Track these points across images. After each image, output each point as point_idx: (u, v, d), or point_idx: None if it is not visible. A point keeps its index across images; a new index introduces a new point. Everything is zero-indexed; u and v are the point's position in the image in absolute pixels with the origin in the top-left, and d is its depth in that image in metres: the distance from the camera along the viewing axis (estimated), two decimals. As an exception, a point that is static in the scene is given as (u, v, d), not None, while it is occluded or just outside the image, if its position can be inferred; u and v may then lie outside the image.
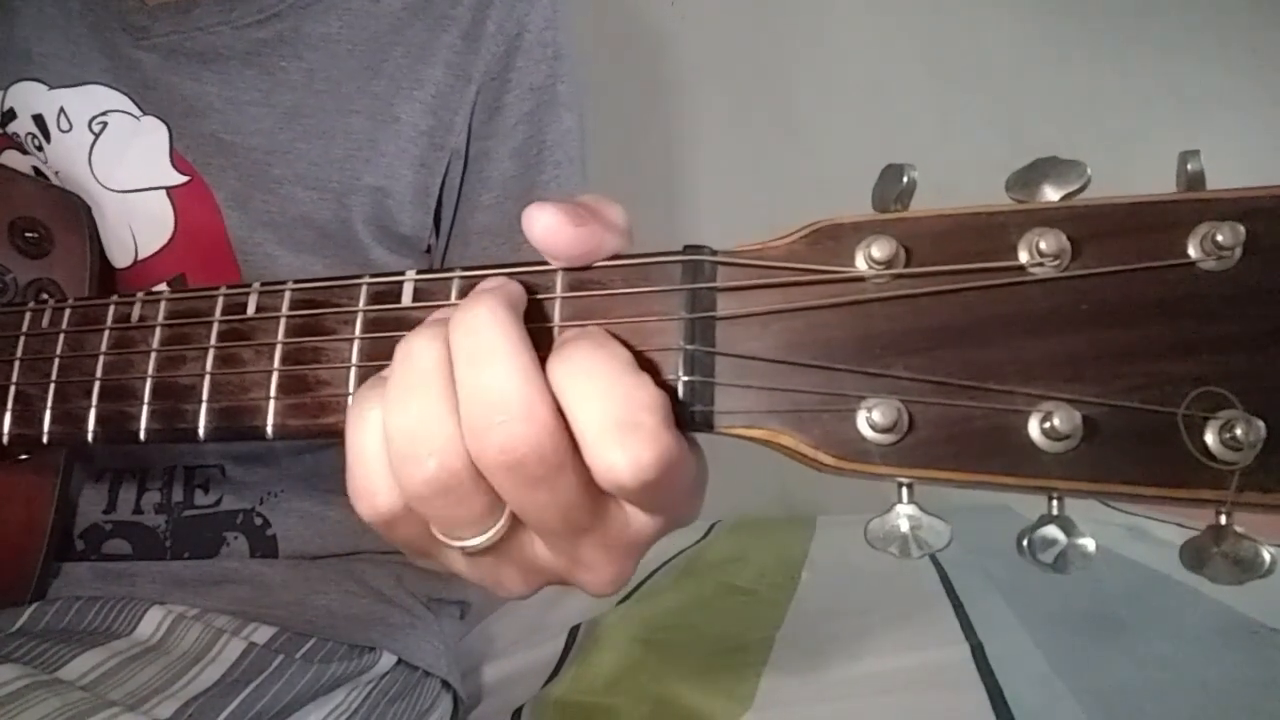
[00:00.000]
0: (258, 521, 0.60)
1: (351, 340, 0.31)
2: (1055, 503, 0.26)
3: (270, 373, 0.32)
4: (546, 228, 0.27)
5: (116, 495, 0.58)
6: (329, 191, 0.56)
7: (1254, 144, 1.28)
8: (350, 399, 0.31)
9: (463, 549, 0.28)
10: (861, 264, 0.27)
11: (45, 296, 0.48)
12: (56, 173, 0.55)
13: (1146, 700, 0.59)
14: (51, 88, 0.56)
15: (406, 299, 0.31)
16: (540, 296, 0.29)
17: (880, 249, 0.26)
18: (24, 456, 0.48)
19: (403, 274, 0.32)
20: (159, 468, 0.59)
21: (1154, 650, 0.66)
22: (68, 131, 0.55)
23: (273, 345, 0.33)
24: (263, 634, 0.57)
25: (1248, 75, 1.31)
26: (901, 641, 0.70)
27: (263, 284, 0.34)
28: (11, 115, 0.56)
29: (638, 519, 0.29)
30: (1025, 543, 0.27)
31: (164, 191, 0.55)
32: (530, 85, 0.61)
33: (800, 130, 1.37)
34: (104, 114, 0.56)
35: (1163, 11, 1.34)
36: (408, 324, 0.31)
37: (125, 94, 0.56)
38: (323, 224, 0.56)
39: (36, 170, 0.56)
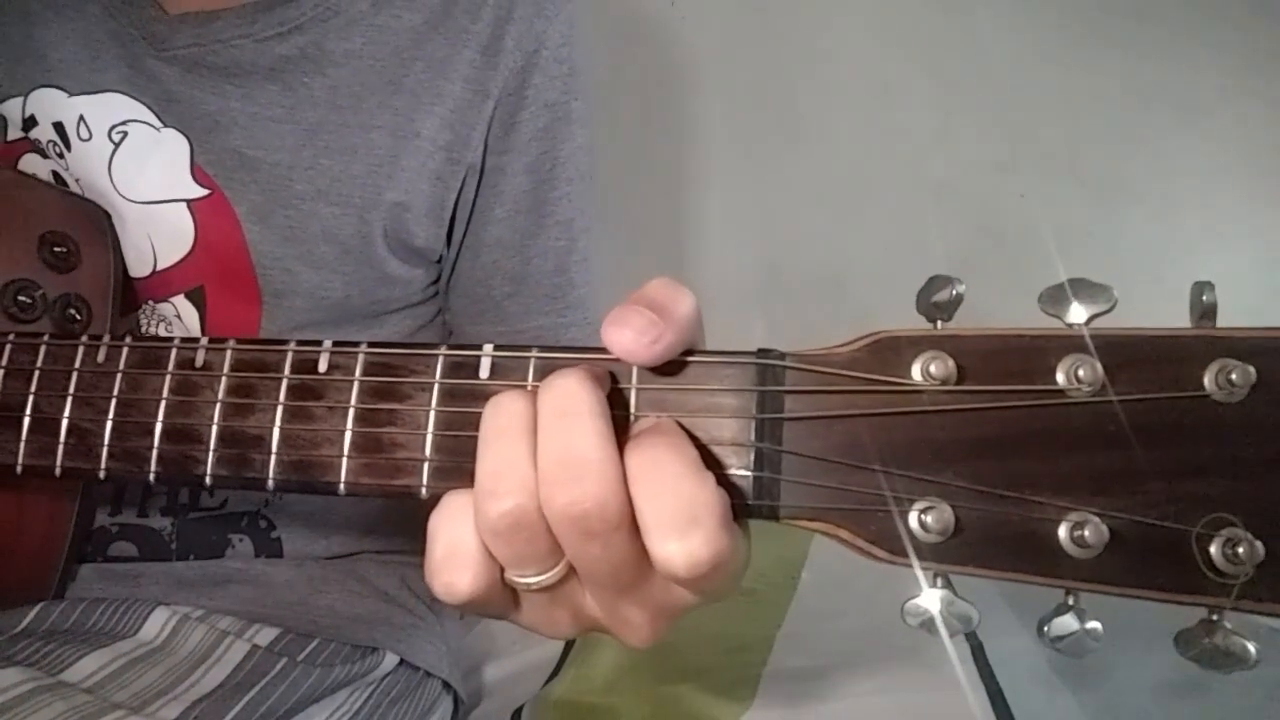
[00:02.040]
0: (262, 524, 0.61)
1: (429, 410, 0.33)
2: (1073, 595, 0.30)
3: (344, 431, 0.34)
4: (625, 350, 0.30)
5: (121, 498, 0.59)
6: (351, 207, 0.57)
7: (1254, 144, 1.32)
8: (426, 465, 0.33)
9: (525, 586, 0.31)
10: (918, 376, 0.30)
11: (73, 311, 0.49)
12: (77, 180, 0.55)
13: (1147, 700, 0.62)
14: (71, 95, 0.55)
15: (484, 374, 0.33)
16: (615, 386, 0.31)
17: (938, 367, 0.29)
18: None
19: (480, 348, 0.33)
20: None
21: (1155, 650, 0.70)
22: (87, 140, 0.55)
23: (347, 406, 0.34)
24: (266, 636, 0.59)
25: (1248, 75, 1.34)
26: (901, 641, 0.72)
27: (334, 343, 0.35)
28: (33, 122, 0.55)
29: (679, 590, 0.31)
30: (1045, 629, 0.30)
31: (184, 204, 0.55)
32: (546, 102, 0.61)
33: (801, 130, 1.38)
34: (124, 123, 0.55)
35: (1162, 12, 1.37)
36: (484, 398, 0.33)
37: (145, 105, 0.55)
38: (344, 239, 0.57)
39: (56, 176, 0.56)
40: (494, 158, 0.61)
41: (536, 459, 0.29)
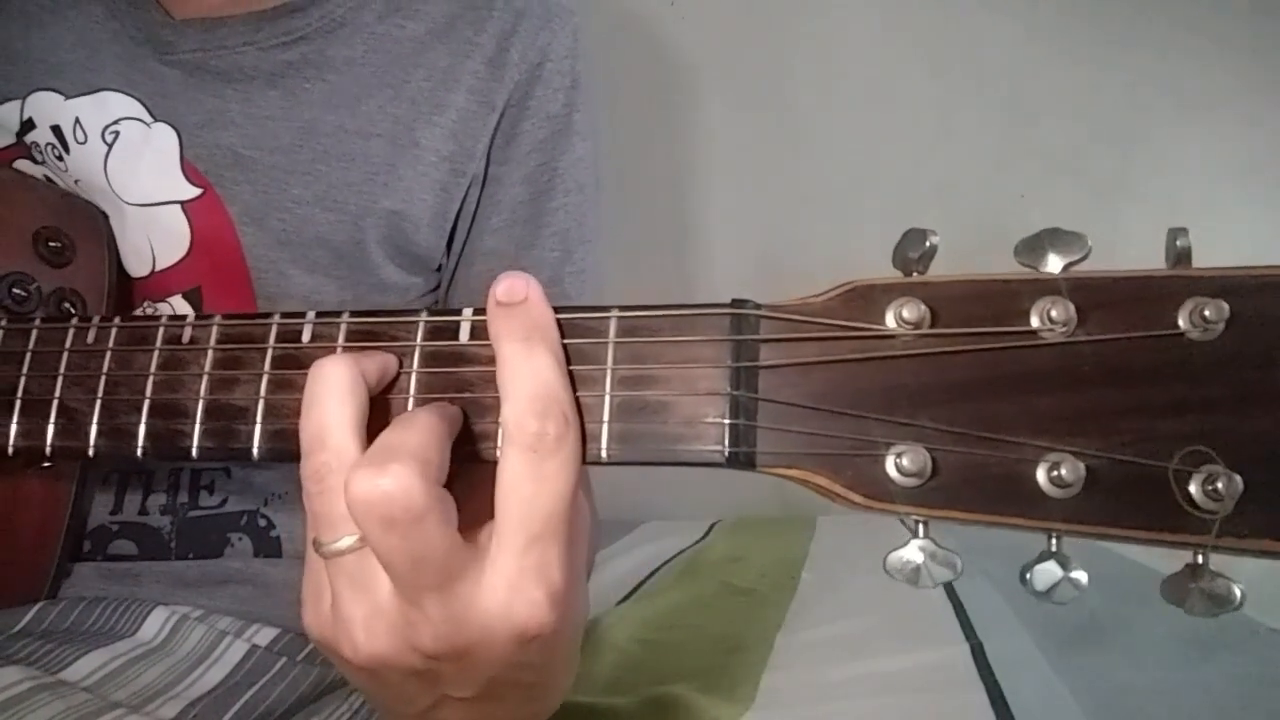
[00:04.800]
0: (262, 523, 0.61)
1: (411, 373, 0.33)
2: (1055, 540, 0.30)
3: (326, 399, 0.34)
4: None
5: (123, 497, 0.59)
6: (346, 214, 0.57)
7: (1254, 144, 1.32)
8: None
9: (321, 551, 0.31)
10: (891, 323, 0.30)
11: (67, 305, 0.49)
12: (77, 181, 0.56)
13: (1146, 700, 0.62)
14: (68, 97, 0.56)
15: (464, 337, 0.33)
16: (593, 340, 0.32)
17: (910, 311, 0.29)
18: (47, 464, 0.49)
19: (459, 313, 0.34)
20: (165, 469, 0.59)
21: (1154, 650, 0.69)
22: (83, 143, 0.55)
23: (330, 373, 0.34)
24: (265, 636, 0.58)
25: (1248, 75, 1.35)
26: (901, 641, 0.73)
27: (318, 314, 0.36)
28: (30, 125, 0.56)
29: (488, 594, 0.30)
30: (1028, 576, 0.30)
31: (178, 206, 0.56)
32: (547, 114, 0.62)
33: (800, 129, 1.39)
34: (116, 122, 0.56)
35: (1163, 11, 1.37)
36: (465, 359, 0.33)
37: (138, 100, 0.56)
38: (337, 245, 0.57)
39: (48, 180, 0.57)
40: (494, 168, 0.62)
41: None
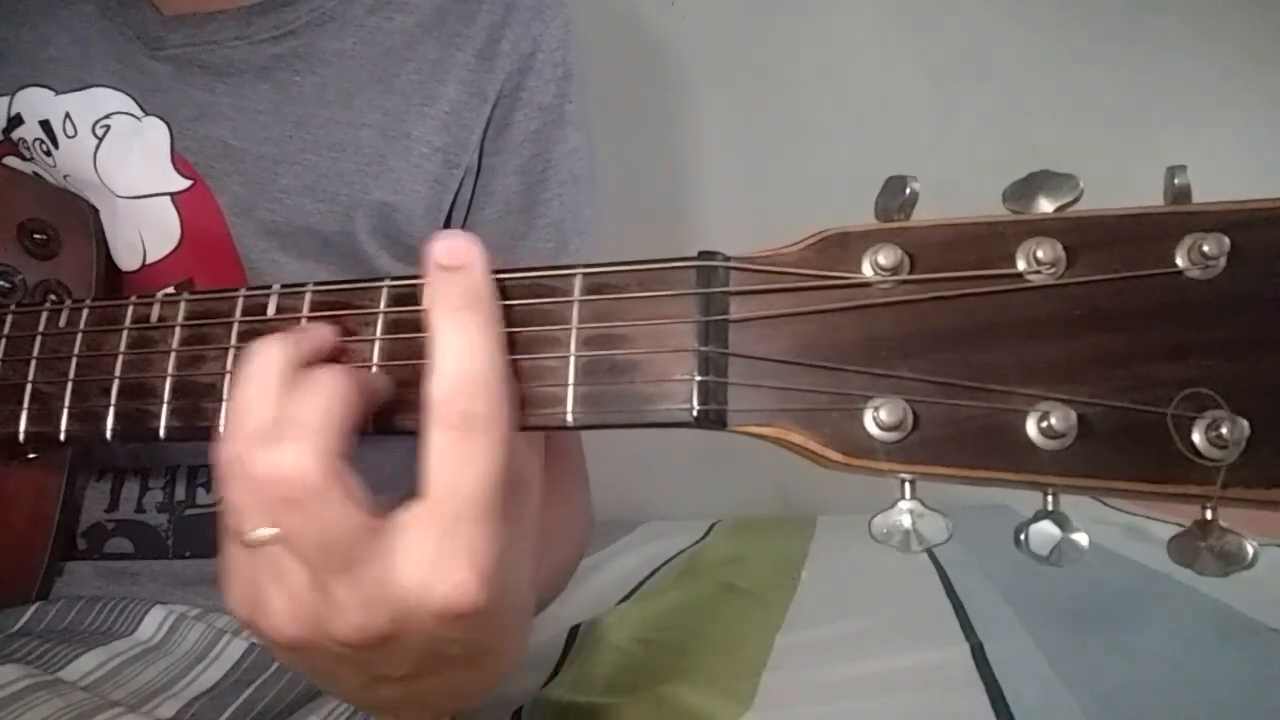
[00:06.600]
0: None
1: (373, 341, 0.32)
2: (1051, 499, 0.28)
3: (291, 372, 0.33)
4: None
5: (119, 494, 0.59)
6: (336, 204, 0.57)
7: (1254, 144, 1.29)
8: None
9: (245, 541, 0.30)
10: (868, 270, 0.28)
11: (53, 297, 0.49)
12: (66, 176, 0.56)
13: (1146, 700, 0.60)
14: (58, 93, 0.56)
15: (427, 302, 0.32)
16: (559, 300, 0.30)
17: (886, 257, 0.28)
18: (33, 456, 0.48)
19: (421, 278, 0.33)
20: (161, 467, 0.59)
21: (1154, 650, 0.67)
22: (73, 137, 0.55)
23: (294, 345, 0.33)
24: None
25: (1248, 75, 1.32)
26: (901, 641, 0.72)
27: (282, 286, 0.35)
28: (18, 120, 0.56)
29: (403, 570, 0.29)
30: (1022, 537, 0.28)
31: (169, 198, 0.56)
32: (539, 104, 0.62)
33: (801, 130, 1.38)
34: (107, 117, 0.56)
35: (1163, 11, 1.36)
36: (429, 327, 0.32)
37: (130, 96, 0.56)
38: (328, 235, 0.57)
39: (37, 176, 0.57)
40: (487, 159, 0.61)
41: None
